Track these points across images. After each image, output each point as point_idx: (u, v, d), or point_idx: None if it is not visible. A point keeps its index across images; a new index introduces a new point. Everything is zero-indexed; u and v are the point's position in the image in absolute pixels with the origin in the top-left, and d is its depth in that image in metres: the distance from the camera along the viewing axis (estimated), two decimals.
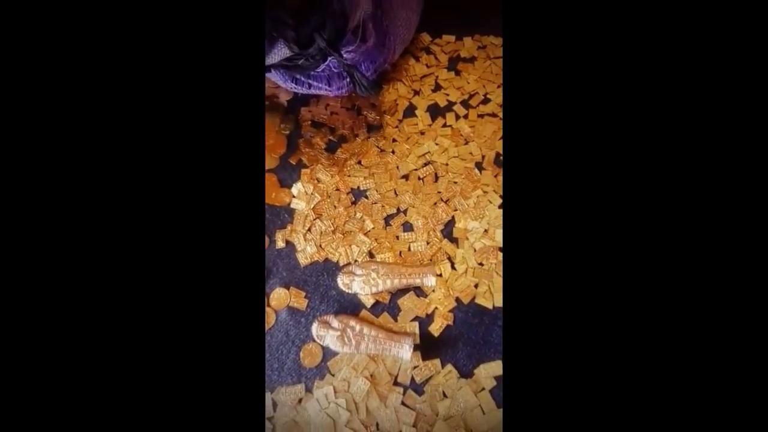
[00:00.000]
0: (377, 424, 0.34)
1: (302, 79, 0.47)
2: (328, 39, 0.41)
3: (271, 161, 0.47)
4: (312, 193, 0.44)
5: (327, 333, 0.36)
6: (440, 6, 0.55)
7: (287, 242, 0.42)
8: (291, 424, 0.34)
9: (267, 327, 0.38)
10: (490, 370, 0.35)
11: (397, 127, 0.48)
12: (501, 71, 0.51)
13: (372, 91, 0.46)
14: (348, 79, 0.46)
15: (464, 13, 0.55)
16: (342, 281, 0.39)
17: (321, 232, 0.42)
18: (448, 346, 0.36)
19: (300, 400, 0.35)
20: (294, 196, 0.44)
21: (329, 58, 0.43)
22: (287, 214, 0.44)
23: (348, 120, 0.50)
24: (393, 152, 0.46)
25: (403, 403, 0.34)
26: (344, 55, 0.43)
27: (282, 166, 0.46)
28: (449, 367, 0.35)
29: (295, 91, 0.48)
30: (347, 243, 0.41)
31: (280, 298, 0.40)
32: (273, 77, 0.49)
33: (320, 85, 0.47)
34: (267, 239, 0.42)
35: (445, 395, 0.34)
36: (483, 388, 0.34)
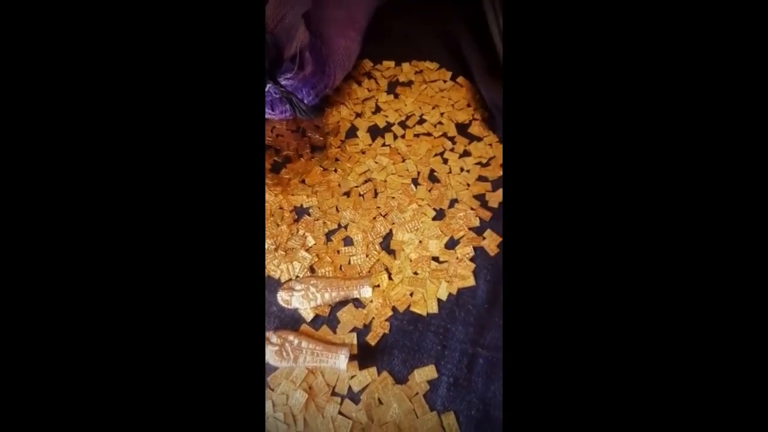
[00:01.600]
0: None
1: None
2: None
3: None
4: None
5: (266, 348, 0.37)
6: (380, 34, 0.59)
7: None
8: None
9: None
10: (424, 375, 0.36)
11: (339, 147, 0.50)
12: (435, 94, 0.55)
13: (311, 115, 0.48)
14: (288, 105, 0.49)
15: (403, 41, 0.59)
16: (281, 297, 0.40)
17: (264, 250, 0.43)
18: (384, 354, 0.38)
19: None
20: None
21: (267, 85, 0.46)
22: None
23: (293, 141, 0.52)
24: (335, 171, 0.48)
25: (340, 413, 0.35)
26: (283, 82, 0.46)
27: None
28: (384, 374, 0.37)
29: None
30: (289, 260, 0.43)
31: None
32: None
33: (264, 109, 0.49)
34: None
35: (380, 402, 0.36)
36: (417, 393, 0.36)
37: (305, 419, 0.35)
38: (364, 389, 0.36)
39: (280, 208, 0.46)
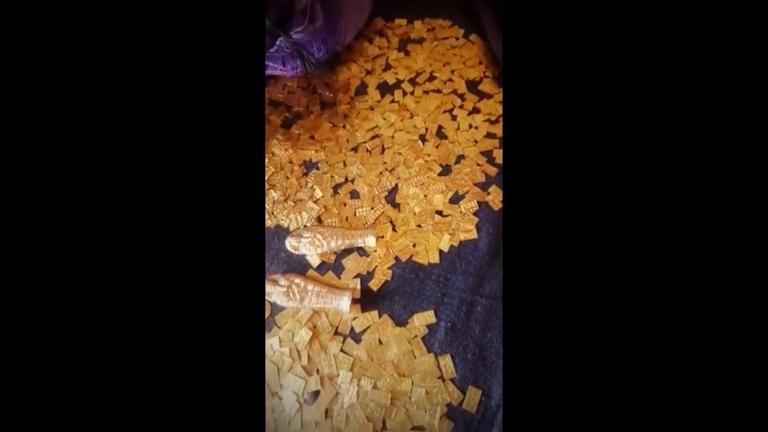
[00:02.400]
0: (318, 370, 0.36)
1: None
2: (273, 20, 0.43)
3: None
4: (266, 166, 0.47)
5: (274, 289, 0.39)
6: None
7: None
8: None
9: None
10: (423, 319, 0.38)
11: (349, 103, 0.51)
12: (446, 51, 0.54)
13: (321, 70, 0.49)
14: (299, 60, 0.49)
15: None
16: (290, 244, 0.41)
17: (273, 201, 0.45)
18: (385, 299, 0.39)
19: None
20: None
21: (278, 39, 0.46)
22: None
23: (304, 98, 0.52)
24: (344, 127, 0.49)
25: (342, 350, 0.37)
26: (293, 36, 0.46)
27: None
28: (385, 317, 0.38)
29: None
30: (297, 210, 0.44)
31: None
32: None
33: (275, 65, 0.50)
34: None
35: (380, 342, 0.37)
36: (415, 336, 0.37)
37: (309, 355, 0.37)
38: (365, 330, 0.38)
39: (290, 162, 0.47)
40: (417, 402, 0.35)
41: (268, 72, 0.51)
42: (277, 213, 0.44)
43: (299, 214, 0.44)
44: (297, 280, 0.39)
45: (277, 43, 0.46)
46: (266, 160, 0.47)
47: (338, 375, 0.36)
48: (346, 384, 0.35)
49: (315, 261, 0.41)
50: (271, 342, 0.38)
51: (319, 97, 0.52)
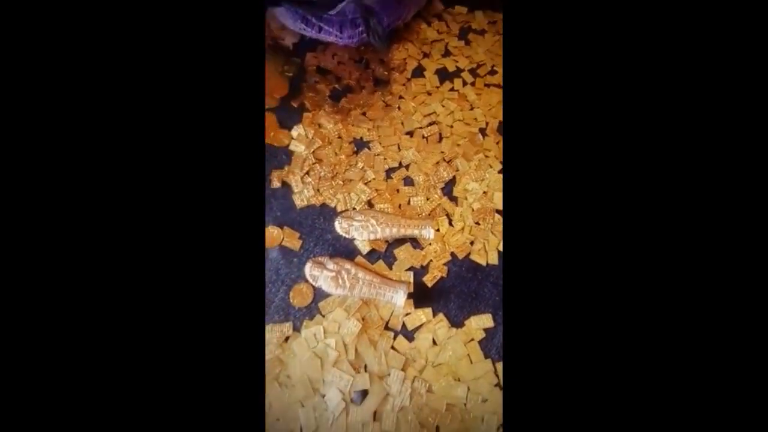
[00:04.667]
0: (366, 366, 0.33)
1: (313, 20, 0.45)
2: None
3: (270, 101, 0.45)
4: (313, 138, 0.43)
5: (321, 273, 0.35)
6: None
7: (283, 183, 0.40)
8: (275, 362, 0.33)
9: None
10: (480, 323, 0.36)
11: (404, 84, 0.47)
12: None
13: (384, 42, 0.45)
14: (361, 28, 0.45)
15: None
16: (340, 225, 0.38)
17: (320, 177, 0.41)
18: (440, 296, 0.37)
19: (287, 339, 0.34)
20: (293, 138, 0.43)
21: (342, 4, 0.42)
22: (285, 155, 0.42)
23: (355, 71, 0.48)
24: (399, 108, 0.45)
25: (393, 347, 0.34)
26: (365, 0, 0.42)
27: (282, 108, 0.44)
28: (440, 316, 0.36)
29: (303, 33, 0.46)
30: (346, 190, 0.40)
31: (271, 236, 0.38)
32: (282, 15, 0.47)
33: (331, 29, 0.45)
34: None
35: (435, 343, 0.35)
36: (472, 339, 0.35)
37: (357, 349, 0.33)
38: (418, 328, 0.35)
39: (339, 137, 0.43)
40: (473, 410, 0.32)
41: (321, 36, 0.46)
42: (323, 191, 0.40)
43: (348, 195, 0.40)
44: (347, 266, 0.36)
45: (342, 4, 0.42)
46: (312, 132, 0.43)
47: (389, 374, 0.33)
48: (398, 385, 0.32)
49: (365, 248, 0.38)
50: (314, 331, 0.34)
51: (372, 73, 0.48)
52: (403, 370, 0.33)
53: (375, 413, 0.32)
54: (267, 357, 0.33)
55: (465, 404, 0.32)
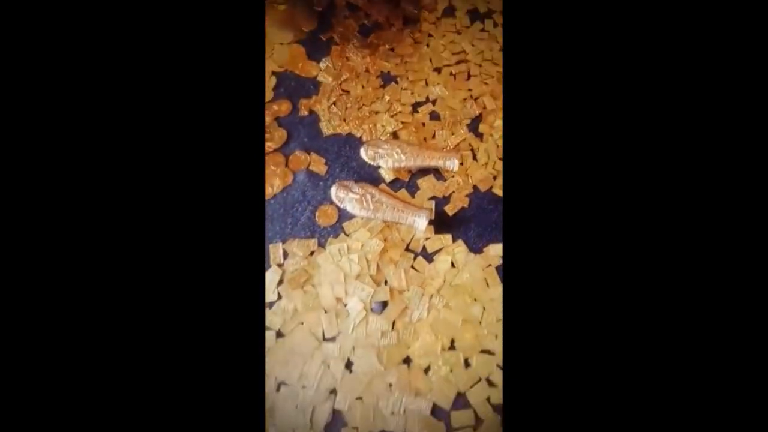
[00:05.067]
0: (386, 281, 0.35)
1: None
2: None
3: (299, 34, 0.45)
4: (340, 70, 0.43)
5: (347, 195, 0.36)
6: None
7: (311, 111, 0.41)
8: (301, 273, 0.34)
9: (283, 186, 0.38)
10: (499, 251, 0.37)
11: (434, 23, 0.47)
12: None
13: None
14: None
15: None
16: (366, 152, 0.39)
17: (347, 107, 0.41)
18: (461, 224, 0.38)
19: (312, 253, 0.35)
20: (321, 70, 0.43)
21: None
22: (313, 85, 0.43)
23: (384, 9, 0.48)
24: (428, 45, 0.45)
25: (413, 267, 0.36)
26: None
27: (311, 40, 0.45)
28: (460, 242, 0.37)
29: None
30: (372, 122, 0.41)
31: (298, 160, 0.39)
32: None
33: None
34: (290, 105, 0.41)
35: (453, 265, 0.36)
36: (490, 264, 0.36)
37: (378, 266, 0.35)
38: (437, 251, 0.36)
39: (367, 70, 0.43)
40: (487, 327, 0.34)
41: None
42: (349, 121, 0.41)
43: (374, 126, 0.41)
44: (372, 191, 0.37)
45: None
46: (340, 64, 0.43)
47: (408, 290, 0.34)
48: (417, 299, 0.34)
49: (388, 176, 0.39)
50: (339, 247, 0.35)
51: (402, 11, 0.48)
52: (421, 287, 0.35)
53: (393, 323, 0.33)
54: (292, 269, 0.35)
55: (480, 322, 0.34)
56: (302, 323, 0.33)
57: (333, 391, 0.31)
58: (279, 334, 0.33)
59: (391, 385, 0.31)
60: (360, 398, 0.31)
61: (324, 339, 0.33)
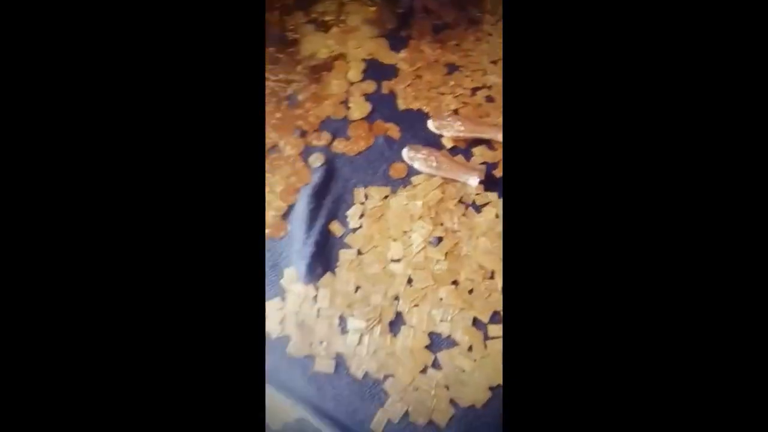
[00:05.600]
0: (442, 223, 0.44)
1: None
2: None
3: (382, 30, 0.56)
4: (415, 59, 0.53)
5: (416, 155, 0.46)
6: None
7: (390, 90, 0.52)
8: (377, 210, 0.44)
9: (366, 146, 0.49)
10: None
11: (493, 24, 0.56)
12: None
13: None
14: None
15: None
16: (433, 124, 0.48)
17: (418, 88, 0.51)
18: None
19: (386, 197, 0.45)
20: (401, 59, 0.53)
21: None
22: (392, 71, 0.53)
23: (453, 12, 0.57)
24: (487, 42, 0.54)
25: (463, 215, 0.44)
26: None
27: (392, 36, 0.55)
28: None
29: None
30: (438, 101, 0.50)
31: (379, 127, 0.49)
32: None
33: None
34: (375, 85, 0.52)
35: (497, 216, 0.44)
36: None
37: (437, 211, 0.44)
38: (485, 205, 0.45)
39: (436, 61, 0.53)
40: None
41: None
42: (420, 99, 0.51)
43: (439, 104, 0.50)
44: (435, 153, 0.46)
45: None
46: (415, 56, 0.53)
47: (460, 231, 0.43)
48: (467, 239, 0.42)
49: (449, 144, 0.48)
50: (407, 194, 0.45)
51: (468, 14, 0.57)
52: (471, 230, 0.43)
53: (446, 254, 0.42)
54: (371, 206, 0.45)
55: None
56: (376, 246, 0.43)
57: (396, 297, 0.41)
58: (359, 252, 0.43)
59: (441, 299, 0.40)
60: (417, 305, 0.40)
61: (392, 260, 0.42)
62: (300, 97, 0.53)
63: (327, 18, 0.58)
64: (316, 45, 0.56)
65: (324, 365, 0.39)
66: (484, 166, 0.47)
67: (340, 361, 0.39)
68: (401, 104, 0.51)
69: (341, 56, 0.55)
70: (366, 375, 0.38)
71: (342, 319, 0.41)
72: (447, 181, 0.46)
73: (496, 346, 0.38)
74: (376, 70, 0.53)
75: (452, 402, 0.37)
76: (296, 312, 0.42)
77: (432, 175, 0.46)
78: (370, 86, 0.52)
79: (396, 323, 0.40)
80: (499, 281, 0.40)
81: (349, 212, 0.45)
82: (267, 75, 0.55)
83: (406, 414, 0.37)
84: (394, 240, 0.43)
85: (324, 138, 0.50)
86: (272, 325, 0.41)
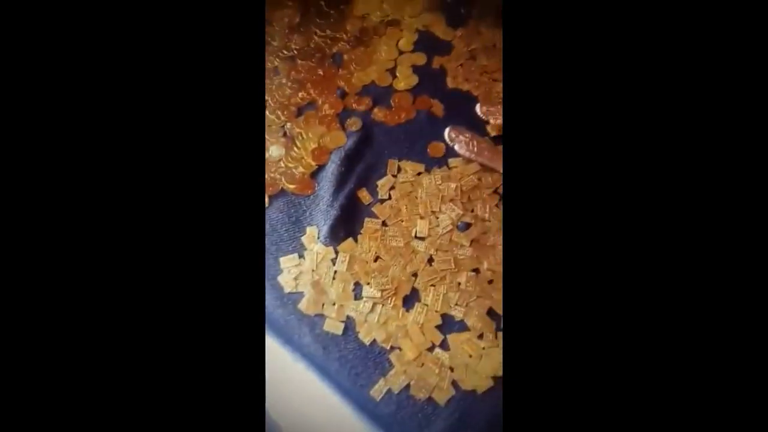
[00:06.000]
0: (473, 210, 0.43)
1: None
2: None
3: (441, 4, 0.54)
4: (471, 40, 0.51)
5: (457, 137, 0.45)
6: None
7: (441, 67, 0.50)
8: (408, 185, 0.44)
9: (406, 119, 0.47)
10: None
11: None
12: None
13: None
14: None
15: None
16: (481, 108, 0.47)
17: (470, 70, 0.50)
18: None
19: (419, 174, 0.45)
20: (457, 37, 0.51)
21: None
22: (447, 47, 0.51)
23: None
24: None
25: (496, 206, 0.44)
26: None
27: (452, 11, 0.53)
28: None
29: None
30: (490, 87, 0.49)
31: (423, 102, 0.48)
32: None
33: None
34: (425, 58, 0.50)
35: None
36: None
37: (470, 197, 0.43)
38: None
39: (494, 45, 0.51)
40: None
41: None
42: (471, 81, 0.49)
43: (490, 90, 0.48)
44: (478, 138, 0.45)
45: None
46: (472, 35, 0.52)
47: (490, 221, 0.42)
48: (495, 230, 0.42)
49: (493, 132, 0.46)
50: (441, 174, 0.44)
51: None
52: (500, 221, 0.42)
53: (471, 241, 0.42)
54: (402, 180, 0.44)
55: None
56: (402, 221, 0.43)
57: (414, 274, 0.41)
58: (384, 224, 0.43)
59: (459, 283, 0.40)
60: (433, 285, 0.40)
61: (415, 237, 0.42)
62: (345, 57, 0.51)
63: None
64: (371, 6, 0.54)
65: (333, 326, 0.39)
66: None
67: (349, 326, 0.39)
68: (450, 83, 0.49)
69: (395, 22, 0.53)
70: (374, 342, 0.39)
71: (357, 286, 0.41)
72: (485, 168, 0.45)
73: None
74: (428, 43, 0.52)
75: (454, 384, 0.37)
76: (312, 270, 0.42)
77: (470, 161, 0.45)
78: (420, 58, 0.51)
79: (410, 299, 0.40)
80: None
81: (380, 182, 0.44)
82: (313, 29, 0.53)
83: (408, 387, 0.37)
84: (421, 218, 0.43)
85: (364, 103, 0.49)
86: (287, 280, 0.42)
